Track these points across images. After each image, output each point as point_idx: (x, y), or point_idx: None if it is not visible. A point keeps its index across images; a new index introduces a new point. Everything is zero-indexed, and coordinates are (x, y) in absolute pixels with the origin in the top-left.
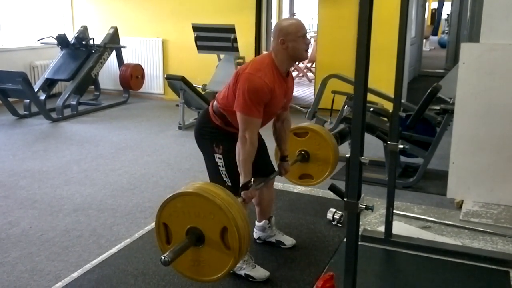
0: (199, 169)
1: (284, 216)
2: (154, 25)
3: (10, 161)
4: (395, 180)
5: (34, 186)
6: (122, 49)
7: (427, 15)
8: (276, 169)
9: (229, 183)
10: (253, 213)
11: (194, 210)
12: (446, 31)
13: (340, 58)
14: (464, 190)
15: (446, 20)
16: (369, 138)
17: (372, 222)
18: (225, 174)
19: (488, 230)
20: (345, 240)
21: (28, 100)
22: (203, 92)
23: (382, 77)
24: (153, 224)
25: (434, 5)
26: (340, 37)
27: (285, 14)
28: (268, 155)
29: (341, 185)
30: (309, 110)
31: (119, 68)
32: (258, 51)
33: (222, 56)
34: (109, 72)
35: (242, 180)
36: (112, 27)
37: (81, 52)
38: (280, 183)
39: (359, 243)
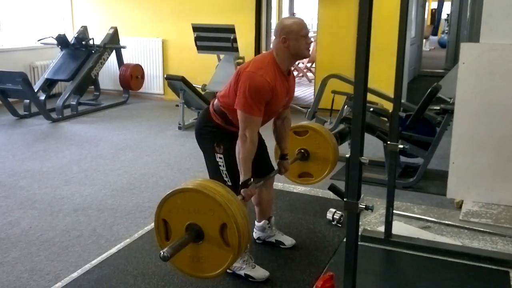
0: (199, 169)
1: (284, 216)
2: (154, 25)
3: (10, 161)
4: (395, 180)
5: (34, 186)
6: (122, 49)
7: (427, 15)
8: (276, 167)
9: (230, 183)
10: (252, 213)
11: (194, 207)
12: (446, 31)
13: (340, 58)
14: (464, 190)
15: (446, 20)
16: (369, 138)
17: (372, 222)
18: (225, 174)
19: (488, 230)
20: (344, 240)
21: (28, 100)
22: (203, 92)
23: (382, 77)
24: (153, 224)
25: (434, 5)
26: (340, 37)
27: (285, 14)
28: (267, 154)
29: (341, 185)
30: (309, 110)
31: (119, 68)
32: (258, 51)
33: (222, 56)
34: (109, 72)
35: (242, 178)
36: (112, 27)
37: (81, 52)
38: (280, 183)
39: (359, 243)
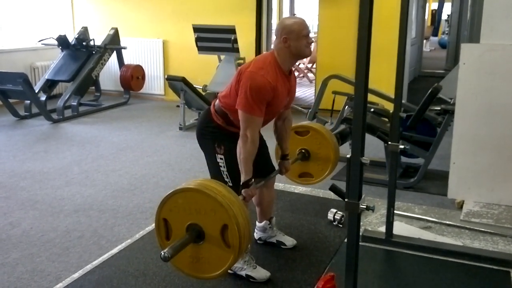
0: (199, 170)
1: (285, 217)
2: (154, 26)
3: (10, 162)
4: (395, 181)
5: (35, 187)
6: (122, 50)
7: (427, 15)
8: (277, 167)
9: (230, 183)
10: (253, 214)
11: (195, 207)
12: (446, 32)
13: (341, 58)
14: (465, 190)
15: (446, 20)
16: (369, 139)
17: (373, 222)
18: (226, 175)
19: (489, 231)
20: (346, 240)
21: (28, 101)
22: (203, 93)
23: (382, 78)
24: (153, 225)
25: (434, 5)
26: (340, 37)
27: (286, 15)
28: (268, 154)
29: (342, 185)
30: (309, 110)
31: (120, 69)
32: (258, 51)
33: (222, 57)
34: (109, 73)
35: (242, 178)
36: (112, 28)
37: (82, 53)
38: (281, 184)
39: (360, 243)
